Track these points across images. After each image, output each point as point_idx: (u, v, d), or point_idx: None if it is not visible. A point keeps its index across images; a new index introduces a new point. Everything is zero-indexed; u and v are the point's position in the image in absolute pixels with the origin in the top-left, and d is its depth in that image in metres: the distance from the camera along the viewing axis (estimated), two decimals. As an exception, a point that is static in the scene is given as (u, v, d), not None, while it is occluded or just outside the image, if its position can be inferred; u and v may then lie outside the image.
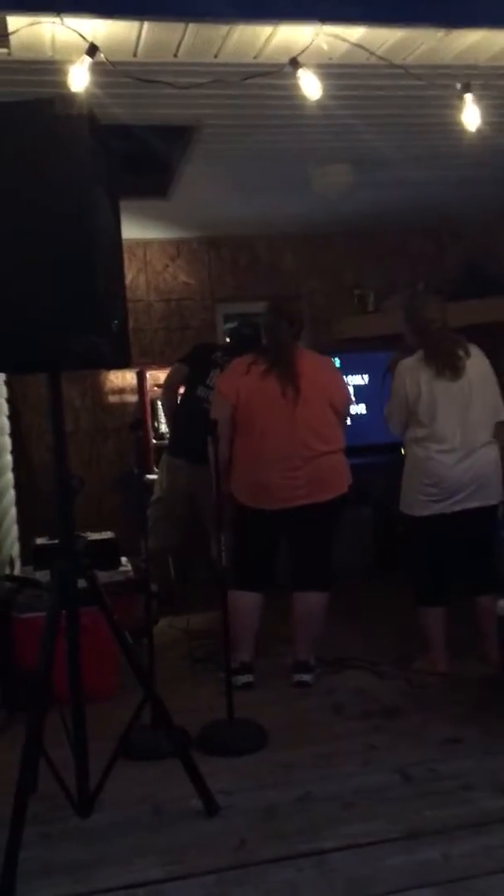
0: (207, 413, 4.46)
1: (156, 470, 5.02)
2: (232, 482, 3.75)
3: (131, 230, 5.16)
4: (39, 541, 4.18)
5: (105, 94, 2.82)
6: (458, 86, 3.03)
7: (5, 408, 4.87)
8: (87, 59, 2.61)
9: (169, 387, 4.85)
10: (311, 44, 2.67)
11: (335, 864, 2.35)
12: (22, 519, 4.88)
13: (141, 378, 5.59)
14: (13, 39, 2.60)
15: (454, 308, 4.67)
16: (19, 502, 4.93)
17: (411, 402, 3.68)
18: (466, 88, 3.03)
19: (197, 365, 4.68)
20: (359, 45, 2.74)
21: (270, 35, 2.69)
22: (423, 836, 2.46)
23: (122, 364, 2.68)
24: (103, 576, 3.49)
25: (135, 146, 3.51)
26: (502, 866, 2.29)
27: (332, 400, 3.75)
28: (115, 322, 2.55)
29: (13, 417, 5.05)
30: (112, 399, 5.79)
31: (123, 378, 5.73)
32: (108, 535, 4.26)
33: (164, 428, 5.32)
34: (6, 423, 4.84)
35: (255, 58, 2.82)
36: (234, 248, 5.92)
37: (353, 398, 4.82)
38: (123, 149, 3.30)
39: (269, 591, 3.79)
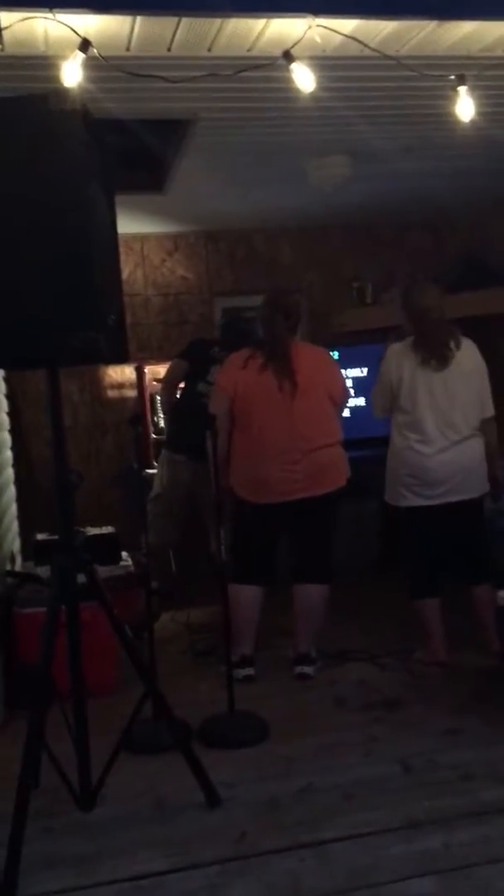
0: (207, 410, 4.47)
1: (155, 465, 5.02)
2: (231, 476, 3.76)
3: (128, 225, 5.16)
4: (40, 536, 4.19)
5: (98, 88, 2.81)
6: (452, 77, 3.02)
7: (5, 404, 4.87)
8: (80, 55, 2.60)
9: (169, 383, 4.86)
10: (303, 36, 2.66)
11: (336, 853, 2.37)
12: (22, 515, 4.89)
13: (140, 373, 5.59)
14: (6, 35, 2.59)
15: (452, 300, 4.67)
16: (20, 498, 4.94)
17: (394, 387, 3.70)
18: (460, 79, 3.02)
19: (197, 361, 4.69)
20: (352, 38, 2.73)
21: (263, 28, 2.68)
22: (423, 826, 2.48)
23: (120, 359, 2.69)
24: (103, 570, 3.52)
25: (130, 141, 3.50)
26: (502, 855, 2.31)
27: (330, 392, 3.76)
28: (112, 317, 2.55)
29: (13, 413, 5.05)
30: (111, 394, 5.79)
31: (122, 373, 5.73)
32: (108, 529, 4.27)
33: (163, 423, 5.32)
34: (6, 420, 4.84)
35: (248, 51, 2.82)
36: (232, 241, 5.91)
37: (353, 391, 4.83)
38: (118, 143, 3.31)
39: (269, 584, 3.80)
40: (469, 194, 5.12)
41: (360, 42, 2.76)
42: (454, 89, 3.06)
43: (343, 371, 4.13)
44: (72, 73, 2.64)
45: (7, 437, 4.84)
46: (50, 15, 2.49)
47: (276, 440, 3.64)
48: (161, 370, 5.13)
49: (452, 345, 3.67)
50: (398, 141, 3.91)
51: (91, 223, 2.38)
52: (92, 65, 2.67)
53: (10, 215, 2.29)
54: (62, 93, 2.54)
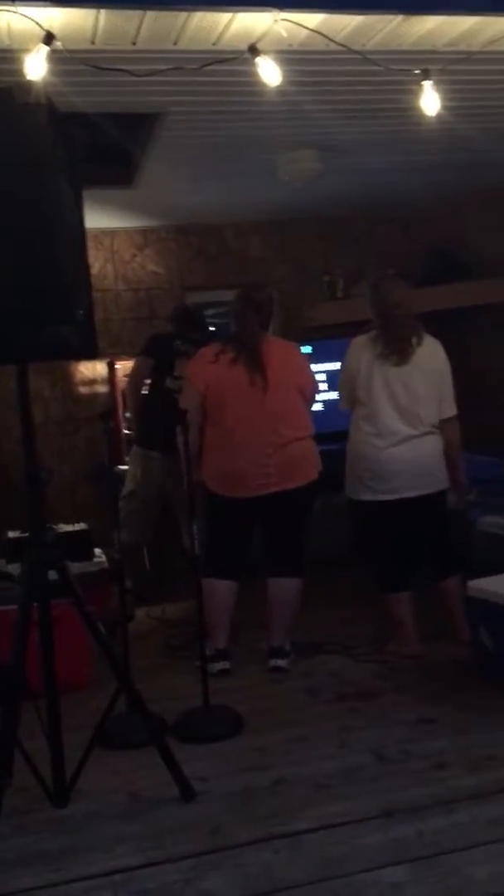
0: (178, 406, 4.46)
1: (127, 461, 5.00)
2: (203, 471, 3.76)
3: (97, 219, 5.14)
4: (11, 534, 4.17)
5: (63, 82, 2.79)
6: (417, 71, 3.04)
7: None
8: (44, 48, 2.58)
9: (136, 381, 4.80)
10: (269, 30, 2.66)
11: (310, 844, 2.39)
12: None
13: (111, 368, 5.57)
14: (-32, 29, 2.57)
15: (421, 294, 4.71)
16: (-9, 496, 4.91)
17: (352, 378, 3.73)
18: (425, 74, 3.04)
19: (161, 356, 4.67)
20: (317, 32, 2.73)
21: (229, 22, 2.68)
22: (396, 815, 2.50)
23: (89, 354, 2.68)
24: (76, 567, 3.49)
25: (98, 135, 3.48)
26: (473, 842, 2.34)
27: (300, 386, 3.77)
28: (81, 312, 2.54)
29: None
30: (83, 390, 5.76)
31: (94, 369, 5.70)
32: (80, 526, 4.25)
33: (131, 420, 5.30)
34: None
35: (214, 44, 2.81)
36: (203, 236, 5.90)
37: (325, 385, 4.85)
38: (85, 137, 3.29)
39: (243, 578, 3.81)
40: (438, 188, 5.15)
41: (325, 36, 2.76)
42: (419, 84, 3.07)
43: (315, 365, 4.15)
44: (36, 67, 2.62)
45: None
46: (13, 8, 2.47)
47: (248, 434, 3.65)
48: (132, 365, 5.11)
49: (414, 341, 3.69)
50: (366, 135, 3.92)
51: (57, 218, 2.37)
52: (56, 58, 2.65)
53: (-26, 211, 2.27)
54: (26, 86, 2.52)
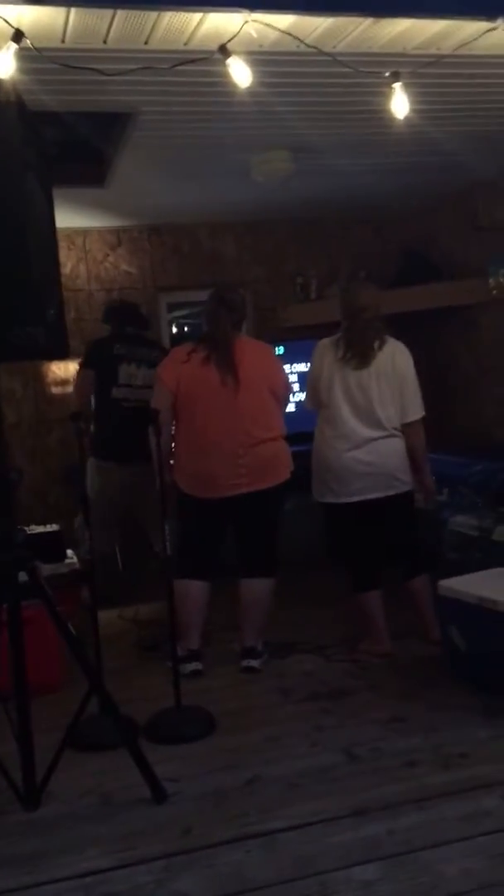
0: (131, 413, 4.45)
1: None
2: (175, 472, 3.75)
3: (70, 218, 5.12)
4: (-18, 536, 4.13)
5: (33, 80, 2.78)
6: (387, 74, 3.05)
7: None
8: (13, 45, 2.56)
9: (81, 395, 4.76)
10: (240, 31, 2.66)
11: (282, 843, 2.39)
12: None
13: (83, 369, 5.53)
14: None
15: (393, 295, 4.74)
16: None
17: (316, 380, 3.76)
18: (395, 76, 3.06)
19: (102, 366, 4.63)
20: (288, 33, 2.74)
21: (200, 22, 2.68)
22: (368, 813, 2.51)
23: (60, 354, 2.67)
24: (48, 568, 3.49)
25: (68, 133, 3.47)
26: (445, 839, 2.36)
27: (272, 387, 3.77)
28: (51, 311, 2.54)
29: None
30: (55, 390, 5.72)
31: (66, 369, 5.66)
32: (52, 527, 4.22)
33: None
34: None
35: (185, 44, 2.81)
36: (176, 235, 5.89)
37: (298, 386, 4.86)
38: (56, 136, 3.28)
39: (215, 578, 3.81)
40: (410, 190, 5.19)
41: (296, 38, 2.77)
42: (390, 86, 3.09)
43: (288, 366, 4.16)
44: (4, 65, 2.60)
45: None
46: (-18, 5, 2.45)
47: (220, 435, 3.65)
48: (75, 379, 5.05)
49: (376, 345, 3.70)
50: (336, 137, 3.94)
51: (27, 216, 2.35)
52: (26, 56, 2.63)
53: None
54: (-5, 85, 2.50)
